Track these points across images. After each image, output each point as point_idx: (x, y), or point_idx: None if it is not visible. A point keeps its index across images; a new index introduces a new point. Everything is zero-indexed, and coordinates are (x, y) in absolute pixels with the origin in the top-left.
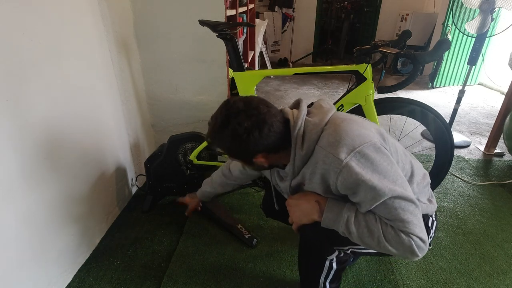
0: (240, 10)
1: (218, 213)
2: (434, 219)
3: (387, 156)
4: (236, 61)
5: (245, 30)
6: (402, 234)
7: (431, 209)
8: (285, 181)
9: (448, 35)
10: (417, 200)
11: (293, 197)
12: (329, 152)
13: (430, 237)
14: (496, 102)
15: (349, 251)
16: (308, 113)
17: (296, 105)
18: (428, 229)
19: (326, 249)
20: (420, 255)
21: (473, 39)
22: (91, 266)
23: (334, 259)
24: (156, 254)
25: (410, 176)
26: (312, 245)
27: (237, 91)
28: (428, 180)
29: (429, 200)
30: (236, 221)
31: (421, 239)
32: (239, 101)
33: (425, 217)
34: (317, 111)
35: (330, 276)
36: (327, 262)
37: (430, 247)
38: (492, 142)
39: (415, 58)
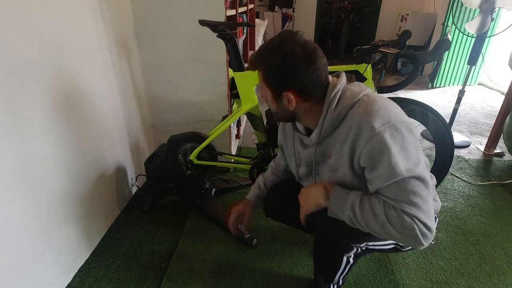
0: (240, 10)
1: (218, 213)
2: (436, 216)
3: (416, 140)
4: (236, 61)
5: (245, 30)
6: (405, 216)
7: (436, 206)
8: (308, 148)
9: (448, 35)
10: (431, 187)
11: (303, 188)
12: (364, 119)
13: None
14: (496, 102)
15: (364, 248)
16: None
17: (337, 76)
18: None
19: (345, 247)
20: (424, 243)
21: (473, 39)
22: (91, 266)
23: (352, 255)
24: (156, 254)
25: None
26: (330, 243)
27: (237, 91)
28: (434, 181)
29: (434, 199)
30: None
31: (425, 226)
32: (301, 36)
33: None
34: (356, 86)
35: (346, 271)
36: (345, 258)
37: (433, 242)
38: (492, 142)
39: (415, 58)
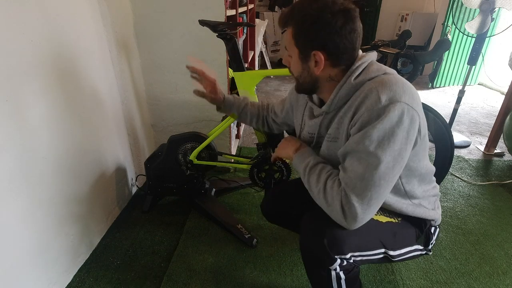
0: (240, 10)
1: (218, 213)
2: (436, 226)
3: (413, 135)
4: (236, 61)
5: (245, 30)
6: (337, 194)
7: (433, 215)
8: (315, 118)
9: (448, 35)
10: (390, 185)
11: (287, 137)
12: (375, 87)
13: (431, 243)
14: (496, 102)
15: (351, 260)
16: None
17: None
18: (429, 235)
19: (326, 258)
20: (345, 223)
21: (473, 39)
22: (91, 266)
23: (338, 268)
24: (156, 254)
25: (421, 177)
26: (312, 258)
27: (237, 91)
28: (436, 192)
29: (433, 209)
30: (236, 221)
31: (350, 207)
32: None
33: (427, 222)
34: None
35: (343, 286)
36: (333, 273)
37: (430, 253)
38: (492, 142)
39: (415, 58)
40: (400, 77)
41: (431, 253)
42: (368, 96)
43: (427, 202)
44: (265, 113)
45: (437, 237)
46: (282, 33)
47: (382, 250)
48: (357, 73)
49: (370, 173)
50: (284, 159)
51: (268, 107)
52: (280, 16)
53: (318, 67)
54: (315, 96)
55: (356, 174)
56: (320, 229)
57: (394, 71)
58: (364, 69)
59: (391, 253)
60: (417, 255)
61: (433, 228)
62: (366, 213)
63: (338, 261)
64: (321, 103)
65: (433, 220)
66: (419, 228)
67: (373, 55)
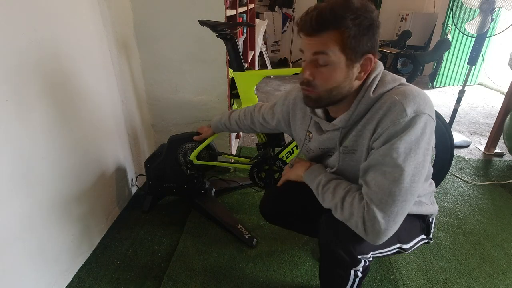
0: (240, 10)
1: (218, 213)
2: (431, 220)
3: (431, 144)
4: (236, 61)
5: (245, 30)
6: (358, 210)
7: (433, 209)
8: (326, 133)
9: (448, 35)
10: (414, 196)
11: (294, 164)
12: (399, 101)
13: (432, 232)
14: (496, 102)
15: (370, 258)
16: None
17: None
18: (429, 225)
19: (351, 260)
20: (367, 238)
21: (473, 39)
22: (91, 266)
23: (360, 269)
24: (156, 254)
25: (425, 178)
26: (335, 260)
27: (237, 91)
28: (433, 188)
29: (432, 204)
30: (236, 221)
31: (374, 223)
32: None
33: (425, 217)
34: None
35: (355, 286)
36: (353, 272)
37: (432, 242)
38: (492, 142)
39: (415, 58)
40: (415, 87)
41: (432, 241)
42: (391, 109)
43: (426, 198)
44: (253, 126)
45: (434, 225)
46: (271, 52)
47: (398, 245)
48: (374, 86)
49: (397, 187)
50: (293, 180)
51: (254, 120)
52: (315, 19)
53: (366, 70)
54: (318, 110)
55: (382, 189)
56: (344, 231)
57: (403, 79)
58: (379, 80)
59: (404, 246)
60: (422, 244)
61: (431, 219)
62: (391, 229)
63: (362, 262)
64: (327, 116)
65: (433, 213)
66: (422, 220)
67: (380, 64)
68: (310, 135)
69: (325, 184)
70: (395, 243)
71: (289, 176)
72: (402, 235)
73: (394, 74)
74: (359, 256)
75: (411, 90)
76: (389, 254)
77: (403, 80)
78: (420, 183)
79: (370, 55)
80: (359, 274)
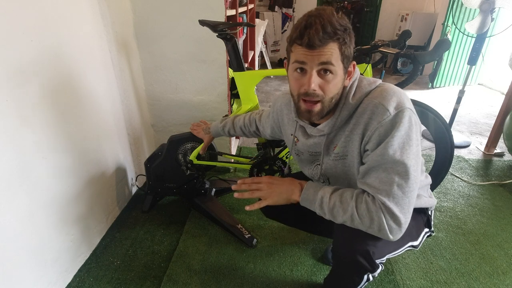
0: (240, 10)
1: (218, 213)
2: (430, 212)
3: (419, 133)
4: (236, 61)
5: (245, 30)
6: (375, 211)
7: (432, 202)
8: (312, 138)
9: (448, 35)
10: (417, 184)
11: (276, 178)
12: (379, 103)
13: (432, 225)
14: (496, 102)
15: (385, 260)
16: None
17: None
18: (429, 218)
19: (369, 266)
20: (391, 237)
21: (473, 39)
22: (91, 266)
23: (376, 274)
24: (156, 254)
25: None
26: (352, 266)
27: (237, 91)
28: (429, 181)
29: (430, 197)
30: (236, 221)
31: (395, 220)
32: None
33: (426, 210)
34: (369, 78)
35: (363, 285)
36: (366, 277)
37: (434, 233)
38: (492, 142)
39: (415, 58)
40: (391, 85)
41: (434, 233)
42: (375, 112)
43: (424, 191)
44: (258, 132)
45: (433, 217)
46: (271, 52)
47: (409, 244)
48: (352, 91)
49: (403, 178)
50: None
51: (258, 127)
52: (321, 32)
53: (350, 77)
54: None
55: (389, 184)
56: (360, 238)
57: (379, 80)
58: (357, 86)
59: (415, 243)
60: (427, 237)
61: (430, 212)
62: (407, 220)
63: (380, 267)
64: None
65: (431, 206)
66: (423, 213)
67: (356, 69)
68: (296, 139)
69: (328, 201)
70: (406, 242)
71: (276, 201)
72: (411, 233)
73: (369, 78)
74: (377, 261)
75: (387, 90)
76: (401, 254)
77: (379, 81)
78: (418, 172)
79: (354, 62)
80: (371, 278)
